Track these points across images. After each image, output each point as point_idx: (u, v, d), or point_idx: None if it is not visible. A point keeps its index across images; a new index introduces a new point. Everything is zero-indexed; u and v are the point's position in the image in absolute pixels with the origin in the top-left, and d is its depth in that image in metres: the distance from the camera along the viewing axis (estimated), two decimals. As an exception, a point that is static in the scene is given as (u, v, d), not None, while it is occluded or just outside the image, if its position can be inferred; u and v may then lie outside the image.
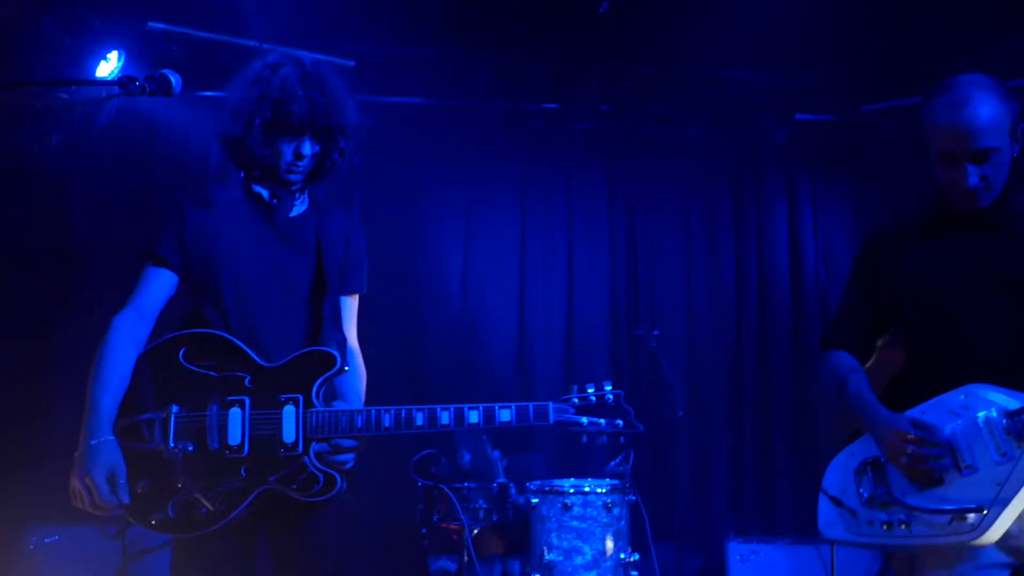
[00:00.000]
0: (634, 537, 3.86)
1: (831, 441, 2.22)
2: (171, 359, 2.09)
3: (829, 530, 2.08)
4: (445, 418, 2.10)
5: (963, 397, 1.96)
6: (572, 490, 3.76)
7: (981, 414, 1.92)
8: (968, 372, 1.98)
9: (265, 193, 2.26)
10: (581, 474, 4.06)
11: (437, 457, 4.29)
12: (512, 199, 5.78)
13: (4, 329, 4.30)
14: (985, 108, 1.94)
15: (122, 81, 1.91)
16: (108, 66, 4.46)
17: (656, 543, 3.93)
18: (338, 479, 2.05)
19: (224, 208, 2.24)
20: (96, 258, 4.64)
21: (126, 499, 1.98)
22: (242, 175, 2.29)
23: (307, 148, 2.21)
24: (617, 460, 3.98)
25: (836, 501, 2.05)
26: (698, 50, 5.03)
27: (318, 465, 2.05)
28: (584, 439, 2.16)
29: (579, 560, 3.66)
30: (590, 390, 2.17)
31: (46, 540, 3.86)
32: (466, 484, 4.13)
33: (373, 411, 2.09)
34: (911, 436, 1.93)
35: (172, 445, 2.02)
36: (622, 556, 3.70)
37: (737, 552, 4.35)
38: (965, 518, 1.83)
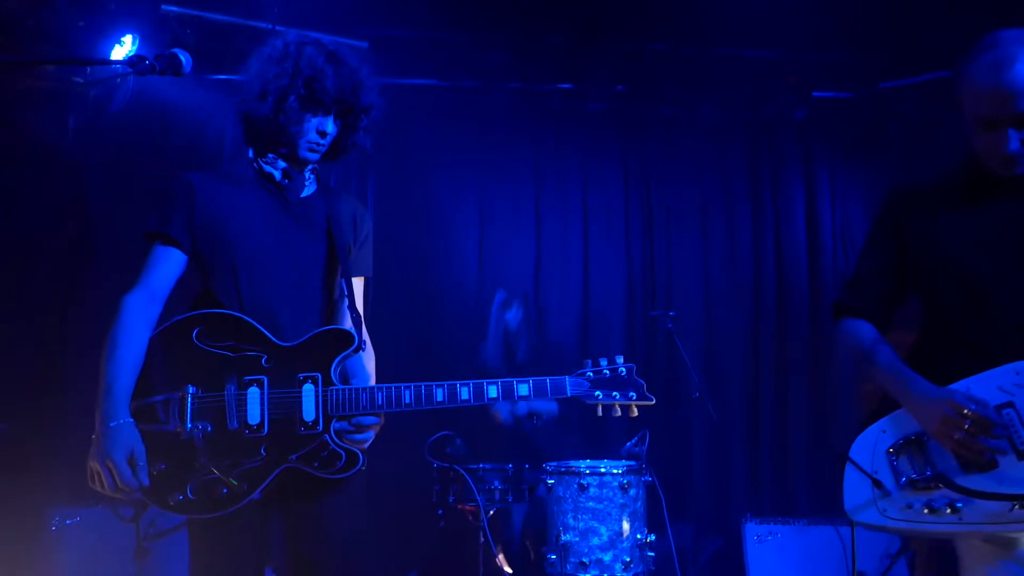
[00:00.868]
0: (650, 518, 3.86)
1: (857, 417, 2.07)
2: (185, 340, 2.09)
3: (859, 514, 1.92)
4: (464, 393, 2.11)
5: (1016, 374, 1.83)
6: (588, 471, 3.75)
7: None
8: (1004, 346, 1.86)
9: (276, 173, 2.26)
10: (598, 455, 4.06)
11: (452, 438, 4.30)
12: (527, 180, 5.76)
13: (21, 311, 4.33)
14: None
15: (132, 60, 1.90)
16: (122, 50, 4.47)
17: (672, 524, 3.92)
18: (360, 456, 2.06)
19: (234, 187, 2.23)
20: (111, 241, 4.66)
21: (146, 481, 1.99)
22: (251, 154, 2.28)
23: (330, 126, 2.22)
24: (633, 441, 3.97)
25: (874, 481, 1.89)
26: (714, 28, 4.98)
27: (339, 442, 2.05)
28: (599, 412, 2.19)
29: (595, 541, 3.66)
30: (604, 364, 2.19)
31: (67, 522, 3.91)
32: (481, 465, 4.13)
33: (393, 388, 2.09)
34: (968, 411, 1.78)
35: (190, 426, 2.02)
36: (638, 537, 3.70)
37: (754, 533, 4.34)
38: None
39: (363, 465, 2.06)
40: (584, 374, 2.18)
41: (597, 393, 2.16)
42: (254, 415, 2.05)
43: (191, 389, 2.05)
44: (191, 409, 2.04)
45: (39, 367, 4.48)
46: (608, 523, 3.68)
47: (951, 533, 1.80)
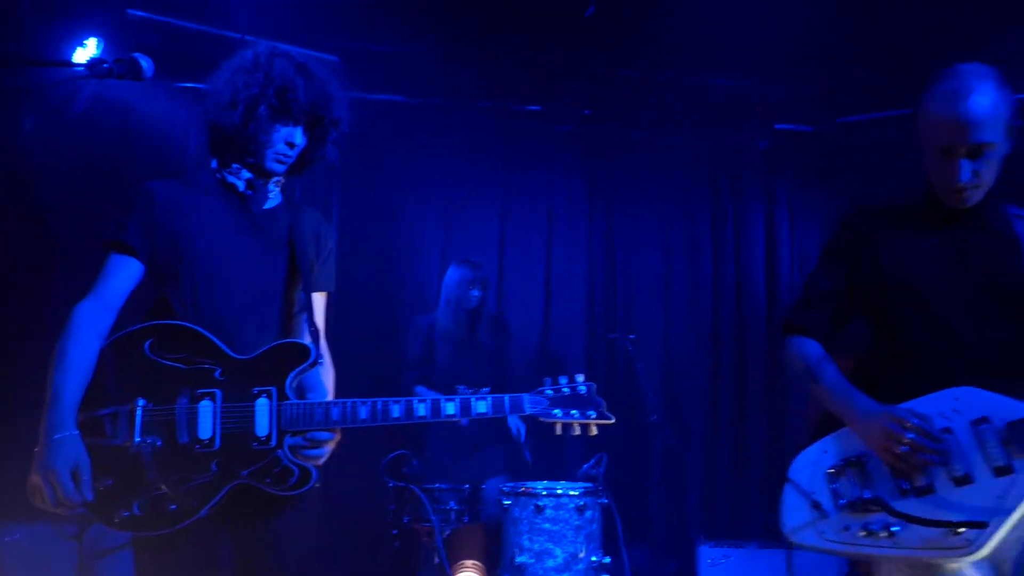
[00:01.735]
0: (606, 540, 3.86)
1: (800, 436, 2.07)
2: (136, 351, 2.04)
3: (797, 535, 1.91)
4: (422, 410, 2.08)
5: (955, 400, 1.83)
6: (545, 492, 3.74)
7: (974, 418, 1.80)
8: (956, 372, 1.87)
9: (240, 184, 2.23)
10: (556, 477, 4.05)
11: (409, 457, 4.26)
12: (492, 199, 5.78)
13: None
14: (986, 99, 1.86)
15: (91, 63, 1.87)
16: (85, 52, 4.39)
17: (628, 546, 3.92)
18: (313, 472, 2.02)
19: (195, 197, 2.20)
20: (66, 248, 4.55)
21: (90, 496, 1.93)
22: (215, 164, 2.25)
23: (299, 138, 2.20)
24: (591, 463, 3.97)
25: (812, 503, 1.88)
26: (682, 56, 5.07)
27: (292, 458, 2.02)
28: (557, 431, 2.17)
29: (550, 563, 3.65)
30: (563, 381, 2.18)
31: (7, 538, 3.77)
32: (437, 485, 4.10)
33: (349, 403, 2.06)
34: (911, 425, 1.77)
35: (138, 440, 1.97)
36: (593, 559, 3.69)
37: (708, 556, 4.36)
38: (961, 532, 1.69)
39: (317, 482, 2.02)
40: (543, 392, 2.17)
41: (556, 411, 2.15)
42: (205, 429, 2.00)
43: (141, 402, 2.00)
44: (140, 422, 1.99)
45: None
46: (563, 545, 3.67)
47: (885, 557, 1.80)
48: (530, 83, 5.40)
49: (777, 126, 5.75)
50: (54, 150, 4.71)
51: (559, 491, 3.75)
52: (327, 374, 2.30)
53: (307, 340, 2.17)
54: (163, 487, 1.96)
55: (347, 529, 4.72)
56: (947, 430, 1.80)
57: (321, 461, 2.09)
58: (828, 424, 2.00)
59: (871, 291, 2.04)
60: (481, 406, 2.10)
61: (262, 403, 2.03)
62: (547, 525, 3.69)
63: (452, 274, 4.70)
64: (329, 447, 2.09)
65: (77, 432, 1.96)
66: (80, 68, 1.91)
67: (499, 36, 4.97)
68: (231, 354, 2.07)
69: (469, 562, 4.12)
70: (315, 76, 2.20)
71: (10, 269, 4.49)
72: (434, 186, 5.66)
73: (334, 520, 4.57)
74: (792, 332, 2.13)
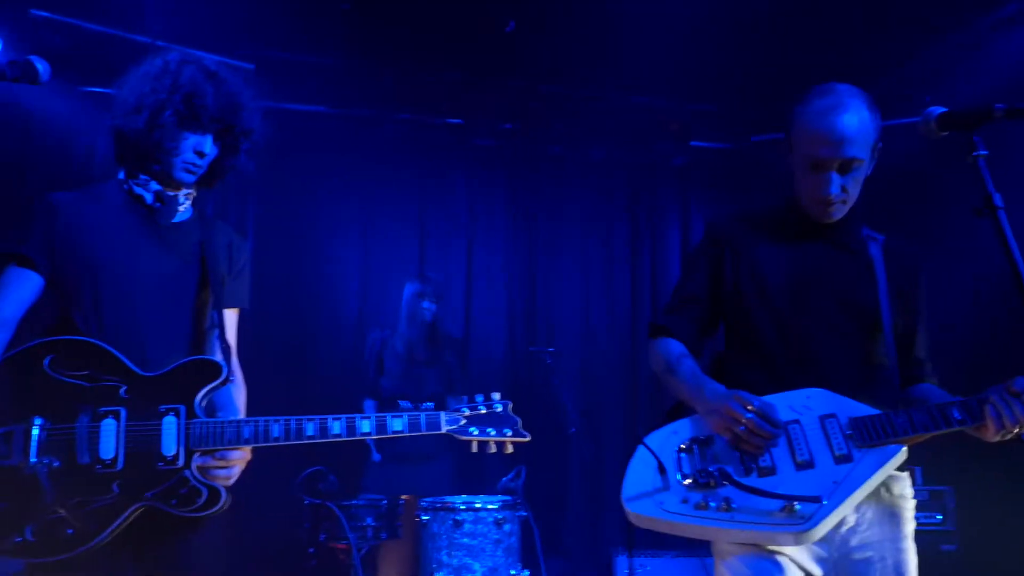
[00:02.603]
0: (524, 553, 3.86)
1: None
2: (34, 368, 1.95)
3: (635, 504, 1.92)
4: (336, 428, 2.05)
5: (807, 398, 1.92)
6: (463, 506, 3.73)
7: (823, 413, 1.89)
8: (805, 383, 1.94)
9: (148, 196, 2.16)
10: (475, 490, 4.04)
11: (325, 474, 4.17)
12: (412, 213, 5.76)
13: None
14: (857, 117, 1.93)
15: (-20, 65, 1.78)
16: (-18, 54, 4.19)
17: (547, 558, 3.94)
18: (223, 492, 1.95)
19: (101, 209, 2.13)
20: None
21: None
22: (121, 175, 2.18)
23: (208, 147, 2.14)
24: (509, 476, 3.98)
25: (660, 466, 1.90)
26: (601, 74, 5.16)
27: (200, 479, 1.95)
28: (474, 448, 2.18)
29: (469, 577, 3.63)
30: (479, 400, 2.19)
31: None
32: (354, 502, 4.03)
33: (261, 421, 2.01)
34: (752, 406, 1.84)
35: (34, 460, 1.87)
36: (512, 572, 3.69)
37: (625, 567, 4.42)
38: (796, 509, 1.77)
39: (225, 503, 1.96)
40: (459, 410, 2.18)
41: (472, 429, 2.16)
42: (108, 449, 1.92)
43: (38, 420, 1.90)
44: (37, 442, 1.89)
45: None
46: (482, 559, 3.66)
47: (718, 531, 1.84)
48: (450, 96, 5.41)
49: (694, 143, 5.91)
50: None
51: (477, 505, 3.74)
52: (239, 393, 2.24)
53: (218, 357, 2.11)
54: (61, 510, 1.87)
55: (260, 550, 4.59)
56: (795, 421, 1.90)
57: (231, 481, 2.02)
58: (677, 412, 2.06)
59: (729, 298, 2.10)
60: (397, 424, 2.09)
61: (169, 421, 1.96)
62: (466, 540, 3.67)
63: (407, 289, 4.75)
64: (239, 466, 2.04)
65: None
66: None
67: (419, 48, 4.97)
68: (137, 371, 1.99)
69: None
70: (225, 83, 2.15)
71: None
72: (352, 199, 5.60)
73: (246, 541, 4.45)
74: (657, 335, 2.17)
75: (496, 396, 2.21)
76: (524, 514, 3.85)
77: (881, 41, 4.60)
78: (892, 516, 1.95)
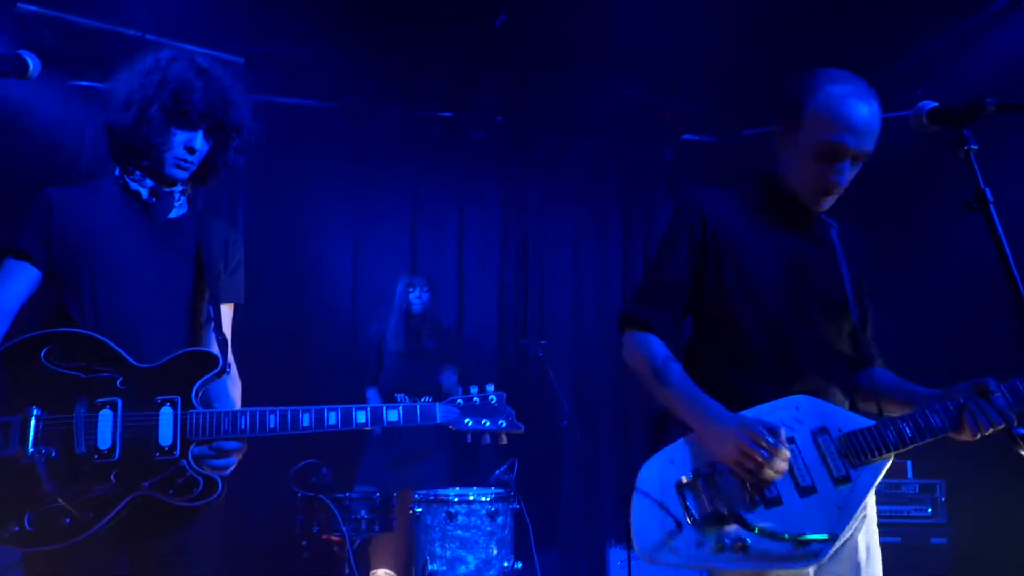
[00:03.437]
0: (518, 545, 3.88)
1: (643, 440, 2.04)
2: (31, 359, 1.95)
3: (656, 555, 1.82)
4: (332, 418, 2.06)
5: (796, 410, 1.86)
6: (456, 499, 3.75)
7: (814, 428, 1.86)
8: (791, 382, 1.91)
9: (143, 191, 2.17)
10: (467, 483, 4.06)
11: (318, 466, 4.19)
12: (404, 205, 5.77)
13: None
14: (878, 109, 1.85)
15: (-33, 59, 1.77)
16: (-30, 47, 4.17)
17: (540, 550, 3.96)
18: (219, 482, 1.96)
19: (97, 204, 2.13)
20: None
21: None
22: (117, 171, 2.19)
23: (199, 143, 2.15)
24: (502, 468, 4.00)
25: (664, 514, 1.82)
26: (593, 66, 5.17)
27: (197, 469, 1.96)
28: (468, 439, 2.20)
29: (462, 569, 3.65)
30: (474, 391, 2.21)
31: None
32: (348, 494, 4.05)
33: (257, 412, 2.02)
34: (766, 443, 1.77)
35: (32, 450, 1.88)
36: (505, 564, 3.71)
37: (618, 558, 4.44)
38: (809, 544, 1.74)
39: (222, 493, 1.97)
40: (454, 401, 2.19)
41: (467, 421, 2.18)
42: (105, 439, 1.93)
43: (35, 411, 1.91)
44: (35, 432, 1.90)
45: None
46: (475, 551, 3.68)
47: (740, 572, 1.78)
48: (442, 89, 5.42)
49: (684, 136, 5.93)
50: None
51: (471, 497, 3.76)
52: (234, 386, 2.25)
53: (215, 349, 2.12)
54: (59, 500, 1.87)
55: (254, 542, 4.60)
56: (791, 440, 1.85)
57: (228, 472, 2.03)
58: (670, 425, 1.98)
59: (711, 290, 2.00)
60: (393, 415, 2.10)
61: (166, 412, 1.97)
62: (459, 532, 3.69)
63: (399, 283, 4.87)
64: (236, 457, 2.05)
65: None
66: None
67: (411, 41, 4.97)
68: (134, 362, 2.00)
69: (381, 571, 4.08)
70: (215, 79, 2.15)
71: None
72: (344, 191, 5.60)
73: (240, 533, 4.46)
74: (633, 327, 2.02)
75: (491, 388, 2.22)
76: (517, 506, 3.87)
77: (873, 35, 4.62)
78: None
